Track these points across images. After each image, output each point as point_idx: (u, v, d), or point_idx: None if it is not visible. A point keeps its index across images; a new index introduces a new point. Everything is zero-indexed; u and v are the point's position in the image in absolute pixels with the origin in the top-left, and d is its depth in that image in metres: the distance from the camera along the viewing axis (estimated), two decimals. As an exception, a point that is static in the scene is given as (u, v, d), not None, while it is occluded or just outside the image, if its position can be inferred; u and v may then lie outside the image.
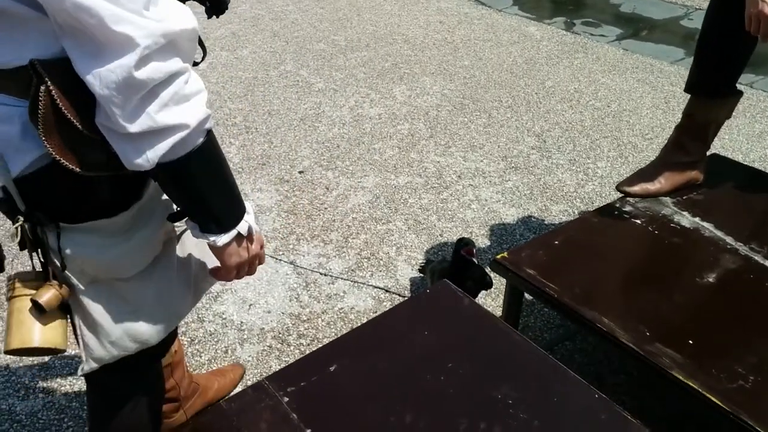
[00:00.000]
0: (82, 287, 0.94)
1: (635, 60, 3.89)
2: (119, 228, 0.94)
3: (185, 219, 0.99)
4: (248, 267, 1.02)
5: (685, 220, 1.82)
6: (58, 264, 0.90)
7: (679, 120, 1.95)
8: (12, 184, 0.84)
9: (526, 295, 1.81)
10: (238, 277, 1.03)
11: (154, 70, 0.76)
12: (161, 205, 1.00)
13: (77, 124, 0.79)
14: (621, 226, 1.81)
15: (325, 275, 2.18)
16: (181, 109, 0.81)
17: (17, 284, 0.90)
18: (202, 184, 0.90)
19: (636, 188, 1.93)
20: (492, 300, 2.07)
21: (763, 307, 1.53)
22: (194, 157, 0.85)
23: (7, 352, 0.89)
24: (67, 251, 0.90)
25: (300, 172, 2.76)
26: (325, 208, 2.53)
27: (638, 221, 1.82)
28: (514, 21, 4.47)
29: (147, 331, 1.03)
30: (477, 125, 3.16)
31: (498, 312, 1.94)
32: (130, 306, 1.00)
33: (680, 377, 1.34)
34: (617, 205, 1.90)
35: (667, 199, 1.91)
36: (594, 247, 1.75)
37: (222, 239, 0.95)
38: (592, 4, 4.89)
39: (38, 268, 0.92)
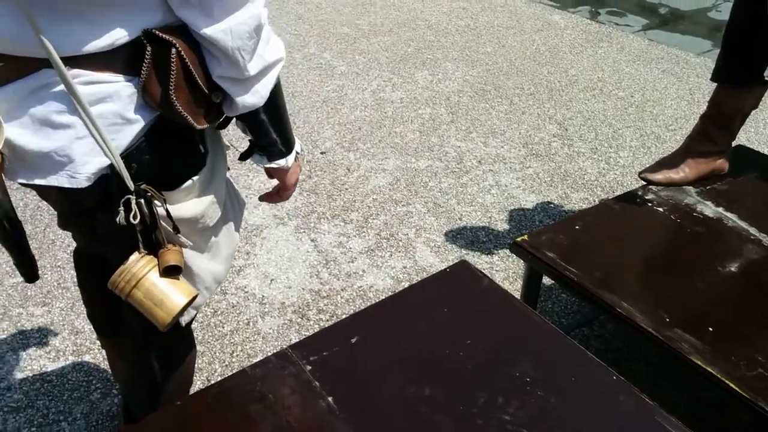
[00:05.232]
0: (189, 243, 1.00)
1: (661, 50, 3.84)
2: (203, 183, 1.00)
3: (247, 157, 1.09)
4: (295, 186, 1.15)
5: (709, 209, 1.81)
6: (170, 229, 0.94)
7: (705, 109, 1.93)
8: (120, 162, 0.86)
9: (544, 280, 1.82)
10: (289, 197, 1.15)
11: (264, 13, 0.84)
12: (218, 155, 1.05)
13: (199, 80, 0.85)
14: (643, 213, 1.81)
15: (345, 254, 2.20)
16: (274, 44, 0.90)
17: (139, 266, 0.92)
18: (281, 108, 1.00)
19: (659, 176, 1.91)
20: (510, 284, 2.08)
21: (784, 297, 1.53)
22: (278, 85, 0.95)
23: (166, 327, 0.94)
24: (175, 214, 0.94)
25: (322, 153, 2.78)
26: (346, 189, 2.55)
27: (660, 209, 1.82)
28: (538, 9, 4.44)
29: (222, 270, 1.13)
30: (498, 111, 3.15)
31: (516, 295, 1.95)
32: (212, 251, 1.08)
33: (699, 363, 1.34)
34: (639, 193, 1.89)
35: (691, 188, 1.90)
36: (615, 233, 1.75)
37: (290, 159, 1.06)
38: (618, -6, 4.84)
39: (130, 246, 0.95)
